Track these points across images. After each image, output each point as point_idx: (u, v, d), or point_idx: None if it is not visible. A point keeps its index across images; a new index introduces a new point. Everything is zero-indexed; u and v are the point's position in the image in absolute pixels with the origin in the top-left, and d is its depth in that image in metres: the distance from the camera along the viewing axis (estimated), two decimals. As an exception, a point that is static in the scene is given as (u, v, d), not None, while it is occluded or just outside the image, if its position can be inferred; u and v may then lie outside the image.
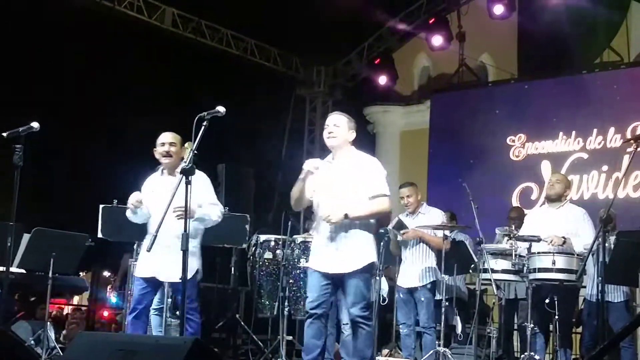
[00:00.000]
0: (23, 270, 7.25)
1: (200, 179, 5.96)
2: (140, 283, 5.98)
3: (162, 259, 5.76)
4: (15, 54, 10.17)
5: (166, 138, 6.06)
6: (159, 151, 6.06)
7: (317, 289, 5.49)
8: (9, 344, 4.43)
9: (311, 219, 6.45)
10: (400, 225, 7.52)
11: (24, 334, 7.16)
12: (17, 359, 4.49)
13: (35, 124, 5.57)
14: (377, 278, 7.77)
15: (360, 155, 5.73)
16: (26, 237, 6.88)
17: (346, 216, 5.36)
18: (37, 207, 5.90)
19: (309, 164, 5.56)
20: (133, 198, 5.93)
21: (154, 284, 5.97)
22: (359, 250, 5.46)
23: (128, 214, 6.05)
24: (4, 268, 5.65)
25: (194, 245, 5.88)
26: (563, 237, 6.73)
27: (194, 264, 5.87)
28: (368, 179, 5.54)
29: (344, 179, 5.53)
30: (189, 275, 5.67)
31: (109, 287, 14.36)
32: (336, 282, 5.51)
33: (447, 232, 7.33)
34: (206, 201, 5.93)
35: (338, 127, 5.62)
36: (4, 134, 5.45)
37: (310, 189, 5.63)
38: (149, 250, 5.18)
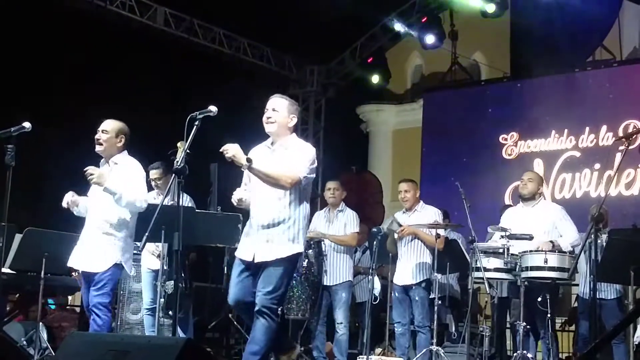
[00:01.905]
0: (14, 271, 7.23)
1: (129, 164, 5.89)
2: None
3: (83, 249, 5.78)
4: (6, 54, 10.12)
5: (102, 125, 5.91)
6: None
7: (234, 279, 5.30)
8: (0, 345, 4.41)
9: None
10: (397, 224, 7.56)
11: (16, 334, 7.14)
12: (9, 359, 4.47)
13: (27, 124, 5.54)
14: (370, 277, 7.79)
15: (296, 143, 5.48)
16: (18, 238, 6.85)
17: (248, 160, 5.11)
18: (29, 207, 5.87)
19: (234, 198, 5.35)
20: (65, 199, 5.87)
21: (85, 277, 5.81)
22: (283, 238, 5.22)
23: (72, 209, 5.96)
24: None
25: (118, 236, 5.76)
26: (551, 242, 6.74)
27: (113, 255, 5.73)
28: (292, 159, 5.30)
29: (275, 165, 5.29)
30: (104, 267, 5.69)
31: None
32: (258, 271, 5.23)
33: (440, 231, 7.34)
34: (128, 184, 5.72)
35: (277, 111, 5.40)
36: (-5, 133, 5.42)
37: (246, 175, 5.44)
38: (141, 250, 5.19)
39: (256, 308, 5.12)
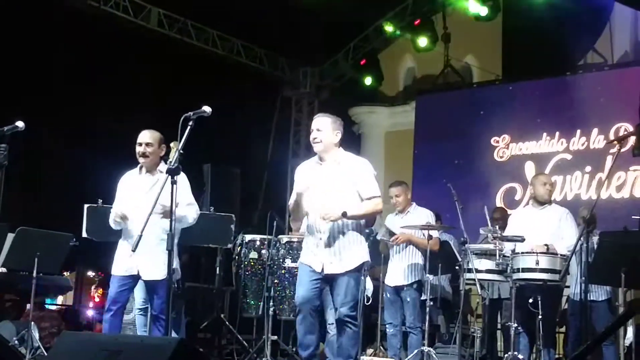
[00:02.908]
0: (6, 270, 7.23)
1: (180, 179, 5.98)
2: (118, 282, 5.96)
3: (144, 258, 5.79)
4: (0, 53, 10.11)
5: (143, 138, 6.04)
6: (136, 150, 6.06)
7: (306, 284, 5.55)
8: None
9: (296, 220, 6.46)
10: (390, 233, 7.59)
11: (7, 334, 7.13)
12: (1, 359, 4.48)
13: (20, 124, 5.54)
14: (363, 278, 7.81)
15: (349, 157, 5.77)
16: (10, 237, 6.85)
17: (344, 214, 5.40)
18: (21, 206, 5.87)
19: (300, 187, 5.58)
20: (118, 214, 5.92)
21: (132, 283, 5.98)
22: (352, 251, 5.55)
23: (110, 222, 6.05)
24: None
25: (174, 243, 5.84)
26: (545, 245, 6.76)
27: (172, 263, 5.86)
28: (362, 180, 5.62)
29: (335, 182, 5.58)
30: (165, 276, 5.71)
31: (92, 286, 14.33)
32: (327, 281, 5.58)
33: (433, 232, 7.37)
34: (184, 201, 5.90)
35: (321, 131, 5.63)
36: (-9, 133, 5.41)
37: (297, 192, 5.67)
38: (134, 250, 5.19)
39: (338, 317, 5.54)
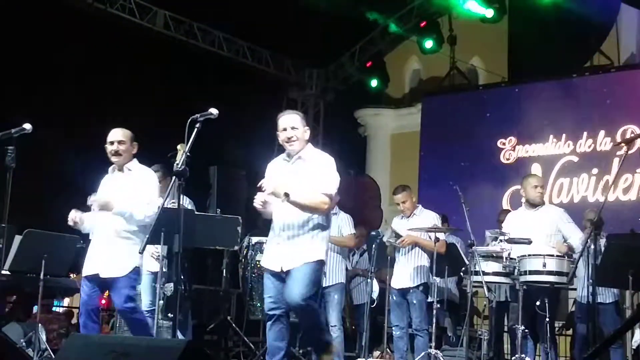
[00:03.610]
0: (14, 272, 7.24)
1: (144, 174, 5.97)
2: (84, 282, 5.84)
3: (102, 256, 5.77)
4: (7, 55, 10.13)
5: (114, 136, 5.90)
6: (107, 150, 5.91)
7: (271, 290, 5.38)
8: (1, 346, 4.42)
9: None
10: (396, 235, 7.57)
11: (15, 335, 7.13)
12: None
13: (27, 126, 5.55)
14: (369, 280, 7.80)
15: (315, 153, 5.52)
16: (18, 239, 6.86)
17: (286, 195, 5.14)
18: (29, 208, 5.88)
19: (258, 201, 5.33)
20: (71, 217, 5.85)
21: (98, 282, 5.82)
22: (308, 246, 5.31)
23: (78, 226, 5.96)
24: (-4, 270, 5.63)
25: (136, 240, 5.77)
26: (566, 244, 6.76)
27: (130, 261, 5.77)
28: (320, 176, 5.36)
29: (304, 179, 5.36)
30: (123, 273, 5.73)
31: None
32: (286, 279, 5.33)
33: (440, 235, 7.35)
34: (142, 198, 5.78)
35: (297, 129, 5.41)
36: (-5, 136, 5.43)
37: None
38: (141, 252, 5.20)
39: (292, 305, 5.25)
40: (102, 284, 5.85)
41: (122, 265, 5.75)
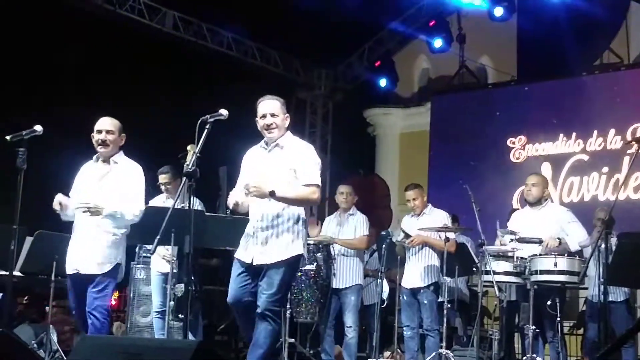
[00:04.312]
0: (25, 274, 7.26)
1: (131, 168, 5.77)
2: (69, 280, 5.74)
3: (80, 252, 5.64)
4: (16, 56, 10.16)
5: (103, 125, 5.73)
6: (95, 138, 5.74)
7: (235, 279, 5.20)
8: (12, 347, 4.43)
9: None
10: (406, 235, 7.57)
11: (26, 337, 7.16)
12: (19, 361, 4.49)
13: (38, 127, 5.56)
14: (379, 280, 7.80)
15: (294, 141, 5.35)
16: (29, 240, 6.88)
17: (272, 193, 5.00)
18: (39, 210, 5.89)
19: (230, 202, 5.24)
20: (57, 200, 5.68)
21: (80, 280, 5.65)
22: (284, 241, 5.14)
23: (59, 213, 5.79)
24: (7, 271, 5.64)
25: (116, 236, 5.66)
26: (558, 239, 6.75)
27: (114, 255, 5.65)
28: (302, 165, 5.18)
29: (281, 167, 5.21)
30: (106, 269, 5.59)
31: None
32: (256, 274, 5.14)
33: (450, 234, 7.34)
34: (126, 195, 5.64)
35: (277, 116, 5.22)
36: (8, 137, 5.43)
37: (243, 181, 5.28)
38: (152, 253, 5.20)
39: (259, 311, 5.05)
40: (83, 282, 5.63)
41: (102, 262, 5.59)
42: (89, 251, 5.61)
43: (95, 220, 5.59)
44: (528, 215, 7.16)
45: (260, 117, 5.27)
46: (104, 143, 5.70)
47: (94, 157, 5.81)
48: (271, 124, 5.23)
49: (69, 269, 5.72)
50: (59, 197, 5.69)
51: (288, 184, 5.13)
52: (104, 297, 5.60)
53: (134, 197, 5.70)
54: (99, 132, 5.72)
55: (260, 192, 5.02)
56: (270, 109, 5.25)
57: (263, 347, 5.03)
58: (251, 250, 5.17)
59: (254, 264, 5.13)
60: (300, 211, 5.22)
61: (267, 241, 5.13)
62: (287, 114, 5.32)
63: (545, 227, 6.91)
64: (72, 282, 5.72)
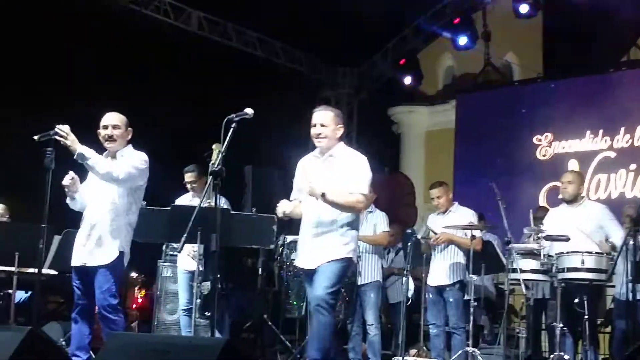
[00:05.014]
0: (54, 272, 7.34)
1: (134, 153, 5.72)
2: (73, 274, 5.68)
3: (88, 245, 5.60)
4: (40, 57, 10.25)
5: (109, 120, 5.70)
6: (101, 134, 5.70)
7: (309, 288, 5.45)
8: (41, 344, 4.48)
9: None
10: (430, 233, 7.56)
11: (55, 334, 7.23)
12: (48, 359, 4.54)
13: (65, 127, 5.59)
14: (405, 278, 7.79)
15: (348, 153, 5.54)
16: (57, 239, 6.94)
17: (323, 195, 5.23)
18: (67, 209, 5.93)
19: (280, 211, 5.46)
20: (69, 175, 5.60)
21: (84, 273, 5.61)
22: (332, 244, 5.33)
23: (68, 200, 5.74)
24: (36, 270, 5.69)
25: (119, 225, 5.62)
26: (610, 242, 6.72)
27: (114, 247, 5.58)
28: (353, 175, 5.38)
29: (334, 176, 5.38)
30: (107, 261, 5.52)
31: (136, 287, 14.46)
32: (311, 276, 5.39)
33: (476, 232, 7.31)
34: (123, 162, 5.60)
35: (326, 126, 5.42)
36: (35, 137, 5.47)
37: (297, 188, 5.59)
38: (179, 251, 5.23)
39: (312, 304, 5.29)
40: (89, 275, 5.59)
41: (108, 253, 5.55)
42: (93, 244, 5.59)
43: (100, 213, 5.56)
44: (565, 213, 7.11)
45: (312, 126, 5.48)
46: (110, 138, 5.69)
47: (104, 154, 5.78)
48: (320, 133, 5.43)
49: (75, 262, 5.66)
50: (70, 175, 5.65)
51: (339, 190, 5.34)
52: (110, 289, 5.54)
53: (123, 162, 5.62)
54: (105, 127, 5.71)
55: (314, 192, 5.27)
56: (320, 119, 5.45)
57: (319, 338, 5.26)
58: (308, 255, 5.42)
59: (312, 268, 5.37)
60: (353, 218, 5.43)
61: (323, 245, 5.35)
62: (341, 125, 5.50)
63: (583, 225, 6.85)
64: (77, 275, 5.66)
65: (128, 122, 5.79)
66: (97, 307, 5.59)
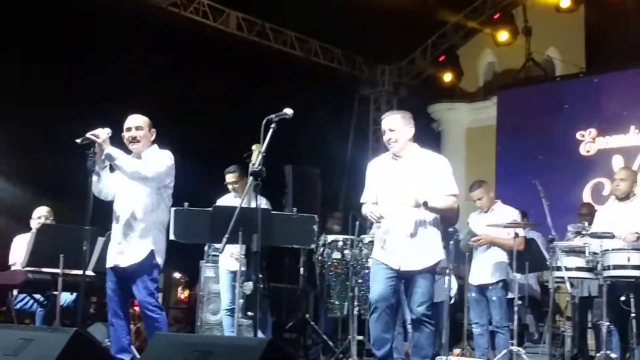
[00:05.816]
0: (98, 273, 7.40)
1: (158, 151, 5.72)
2: (107, 276, 5.71)
3: (122, 245, 5.62)
4: (84, 62, 10.37)
5: (133, 122, 5.71)
6: (125, 137, 5.69)
7: (382, 281, 5.53)
8: (86, 345, 4.52)
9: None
10: (472, 235, 7.50)
11: (100, 335, 7.30)
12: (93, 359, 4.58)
13: (107, 130, 5.64)
14: (447, 277, 7.73)
15: (426, 154, 5.74)
16: (101, 241, 7.00)
17: (425, 204, 5.39)
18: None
19: (375, 216, 5.53)
20: (104, 131, 5.46)
21: (119, 274, 5.64)
22: (430, 248, 5.54)
23: (94, 177, 5.56)
24: (81, 271, 5.76)
25: (148, 224, 5.60)
26: (637, 233, 6.58)
27: (146, 246, 5.59)
28: (442, 177, 5.59)
29: (414, 178, 5.53)
30: (138, 259, 5.53)
31: (179, 288, 14.60)
32: (402, 279, 5.57)
33: (520, 231, 7.22)
34: (147, 161, 5.60)
35: (395, 130, 5.60)
36: (78, 140, 5.52)
37: (374, 190, 5.71)
38: (221, 252, 5.25)
39: (415, 317, 5.54)
40: (124, 275, 5.62)
41: (138, 251, 5.57)
42: (125, 244, 5.61)
43: (128, 213, 5.59)
44: (615, 209, 7.02)
45: (383, 134, 5.69)
46: (134, 140, 5.69)
47: (130, 155, 5.75)
48: (390, 138, 5.60)
49: (109, 263, 5.70)
50: (108, 129, 5.55)
51: (435, 196, 5.50)
52: (147, 287, 5.56)
53: (154, 161, 5.64)
54: (129, 129, 5.71)
55: (416, 201, 5.40)
56: (388, 124, 5.64)
57: (425, 348, 5.56)
58: (398, 256, 5.51)
59: (402, 269, 5.50)
60: (439, 219, 5.64)
61: (415, 249, 5.49)
62: (410, 125, 5.65)
63: (634, 220, 6.74)
64: (110, 276, 5.70)
65: (151, 123, 5.79)
66: (139, 307, 5.63)
